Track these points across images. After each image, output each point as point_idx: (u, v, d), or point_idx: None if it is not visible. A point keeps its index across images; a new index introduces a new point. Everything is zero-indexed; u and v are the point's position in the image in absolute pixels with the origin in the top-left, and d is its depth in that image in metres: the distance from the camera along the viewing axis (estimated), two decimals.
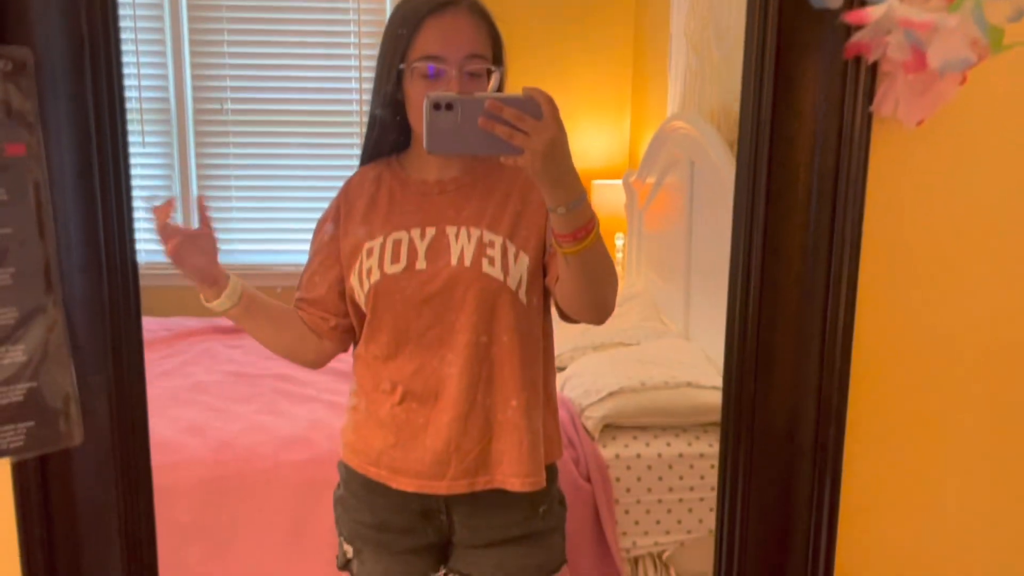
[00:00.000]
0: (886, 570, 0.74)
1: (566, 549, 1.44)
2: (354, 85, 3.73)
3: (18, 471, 0.58)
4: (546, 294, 1.33)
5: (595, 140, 3.81)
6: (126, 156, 0.61)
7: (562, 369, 2.45)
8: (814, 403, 0.67)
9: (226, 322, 3.27)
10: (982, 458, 0.80)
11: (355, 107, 3.79)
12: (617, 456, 2.09)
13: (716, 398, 2.15)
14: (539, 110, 1.00)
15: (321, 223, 1.39)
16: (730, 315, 0.74)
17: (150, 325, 3.05)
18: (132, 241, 0.62)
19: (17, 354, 0.52)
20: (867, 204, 0.71)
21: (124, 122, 0.60)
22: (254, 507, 2.02)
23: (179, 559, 2.00)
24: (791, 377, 0.66)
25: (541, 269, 1.31)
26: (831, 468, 0.67)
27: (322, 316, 1.37)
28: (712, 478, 2.10)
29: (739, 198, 0.72)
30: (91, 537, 0.56)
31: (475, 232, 1.28)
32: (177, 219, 3.88)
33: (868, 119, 0.68)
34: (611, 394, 2.16)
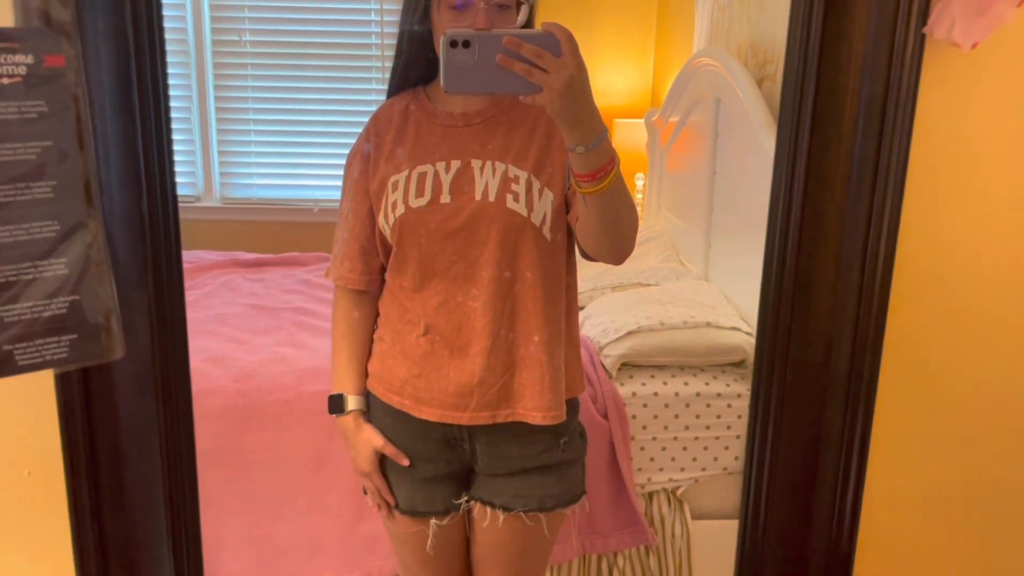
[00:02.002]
0: (914, 503, 0.75)
1: (585, 481, 1.47)
2: (374, 17, 3.67)
3: (61, 384, 0.59)
4: (570, 231, 1.33)
5: (617, 77, 3.74)
6: (164, 72, 0.60)
7: (581, 308, 2.45)
8: (851, 333, 0.66)
9: (245, 255, 3.29)
10: (1020, 391, 0.79)
11: (375, 40, 3.73)
12: (634, 394, 2.10)
13: (735, 339, 2.16)
14: (558, 46, 0.98)
15: (350, 160, 1.39)
16: (769, 243, 0.73)
17: None
18: (171, 157, 0.62)
19: (59, 267, 0.53)
20: (914, 132, 0.69)
21: (162, 38, 0.59)
22: (276, 436, 2.06)
23: (203, 485, 2.04)
24: (829, 306, 0.66)
25: (565, 205, 1.30)
26: (864, 399, 0.67)
27: (366, 269, 1.38)
28: (728, 417, 2.11)
29: (783, 124, 0.71)
30: (133, 451, 0.57)
31: (500, 166, 1.27)
32: (196, 155, 3.86)
33: (920, 42, 0.65)
34: (629, 333, 2.17)
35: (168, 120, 0.62)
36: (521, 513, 1.38)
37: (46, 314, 0.53)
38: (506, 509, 1.39)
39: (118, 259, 0.59)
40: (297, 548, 2.09)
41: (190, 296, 2.76)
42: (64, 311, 0.53)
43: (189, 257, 3.14)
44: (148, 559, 0.62)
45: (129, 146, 0.58)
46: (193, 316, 2.56)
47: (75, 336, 0.54)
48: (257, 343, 2.34)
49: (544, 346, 1.32)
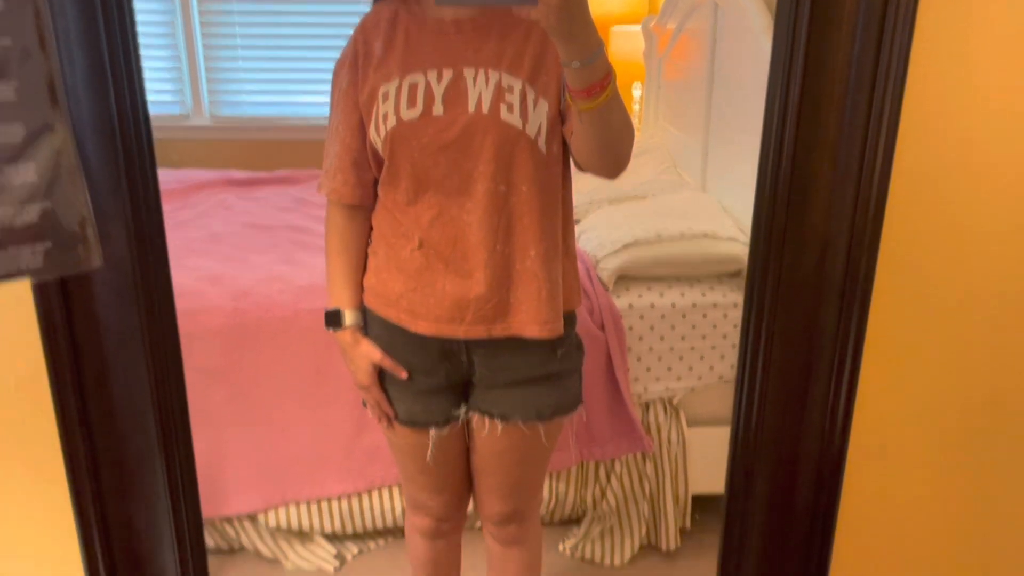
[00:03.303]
0: (907, 405, 0.75)
1: (582, 391, 1.48)
2: None
3: (40, 296, 0.58)
4: (566, 142, 1.30)
5: None
6: None
7: (576, 223, 2.43)
8: (847, 233, 0.65)
9: (239, 174, 3.25)
10: (1014, 292, 0.78)
11: None
12: (631, 306, 2.11)
13: (733, 249, 2.15)
14: None
15: (338, 70, 1.35)
16: (765, 141, 0.71)
17: (162, 176, 3.03)
18: (137, 57, 0.59)
19: (28, 173, 0.51)
20: (915, 33, 0.66)
21: None
22: (275, 353, 2.07)
23: (204, 403, 2.07)
24: (826, 205, 0.64)
25: (561, 116, 1.27)
26: (859, 300, 0.66)
27: (359, 182, 1.35)
28: (724, 327, 2.12)
29: (780, 22, 0.67)
30: (118, 361, 0.57)
31: (493, 75, 1.24)
32: (183, 72, 3.76)
33: None
34: (626, 246, 2.15)
35: (133, 19, 0.59)
36: (519, 422, 1.40)
37: (18, 222, 0.51)
38: (504, 419, 1.40)
39: (90, 166, 0.57)
40: (300, 462, 2.13)
41: (184, 216, 2.73)
42: (36, 219, 0.51)
43: (181, 176, 3.10)
44: (141, 470, 0.62)
45: (93, 46, 0.55)
46: (188, 236, 2.54)
47: (50, 245, 0.52)
48: (253, 262, 2.33)
49: (541, 260, 1.31)
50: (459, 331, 1.33)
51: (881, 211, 0.67)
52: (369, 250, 1.41)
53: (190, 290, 2.12)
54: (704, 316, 2.11)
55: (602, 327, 2.09)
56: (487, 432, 1.43)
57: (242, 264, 2.30)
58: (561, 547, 2.23)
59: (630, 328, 2.11)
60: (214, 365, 2.06)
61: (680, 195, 2.59)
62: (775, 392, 0.70)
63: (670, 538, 2.19)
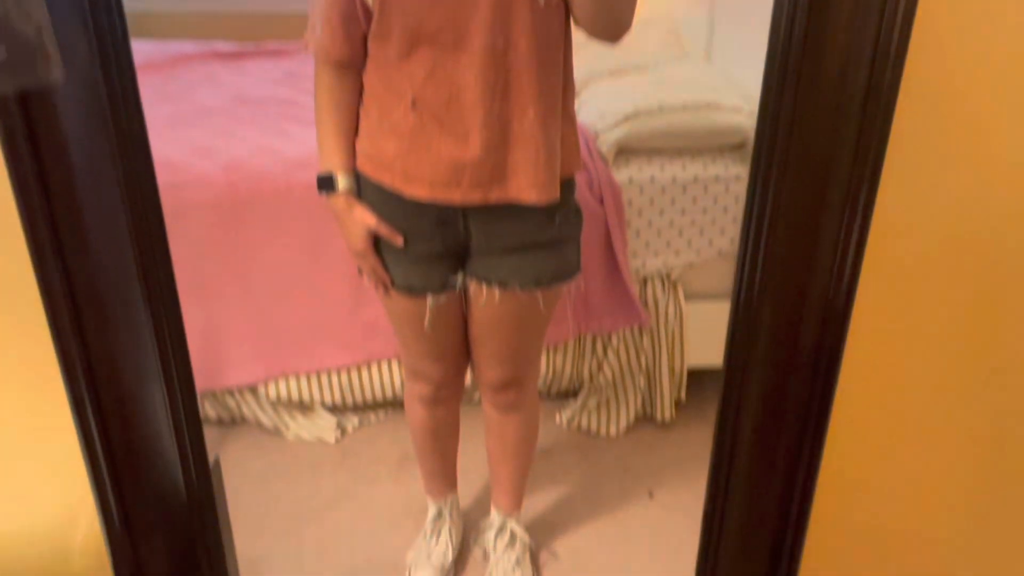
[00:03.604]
0: (918, 261, 0.72)
1: (580, 259, 1.46)
2: None
3: (1, 116, 0.55)
4: None
5: None
6: None
7: (577, 95, 2.35)
8: (871, 46, 0.60)
9: (226, 47, 3.13)
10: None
11: None
12: (630, 179, 2.06)
13: (737, 119, 2.08)
14: None
15: None
16: None
17: (148, 48, 2.92)
18: None
19: None
20: None
21: None
22: (269, 225, 2.04)
23: (200, 276, 2.06)
24: (849, 16, 0.58)
25: None
26: (880, 122, 0.62)
27: (348, 37, 1.27)
28: (726, 200, 2.09)
29: None
30: (88, 184, 0.54)
31: None
32: None
33: None
34: (627, 117, 2.09)
35: None
36: (517, 289, 1.39)
37: None
38: (502, 286, 1.39)
39: None
40: (298, 335, 2.14)
41: (171, 89, 2.64)
42: None
43: (166, 49, 2.98)
44: (120, 303, 0.60)
45: None
46: (176, 109, 2.47)
47: (4, 55, 0.48)
48: (244, 135, 2.26)
49: (539, 121, 1.26)
50: (455, 196, 1.30)
51: (909, 22, 0.61)
52: (361, 111, 1.35)
53: (179, 162, 2.08)
54: (705, 190, 2.07)
55: (601, 201, 2.05)
56: (484, 299, 1.42)
57: (232, 137, 2.24)
58: (558, 419, 2.27)
59: (629, 202, 2.08)
60: (208, 238, 2.03)
61: (684, 66, 2.51)
62: (784, 228, 0.67)
63: (665, 410, 2.23)
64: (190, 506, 0.73)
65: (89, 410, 0.65)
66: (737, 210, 2.11)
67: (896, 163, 0.68)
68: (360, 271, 1.46)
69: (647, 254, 2.13)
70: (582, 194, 2.02)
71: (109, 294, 0.59)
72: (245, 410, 2.21)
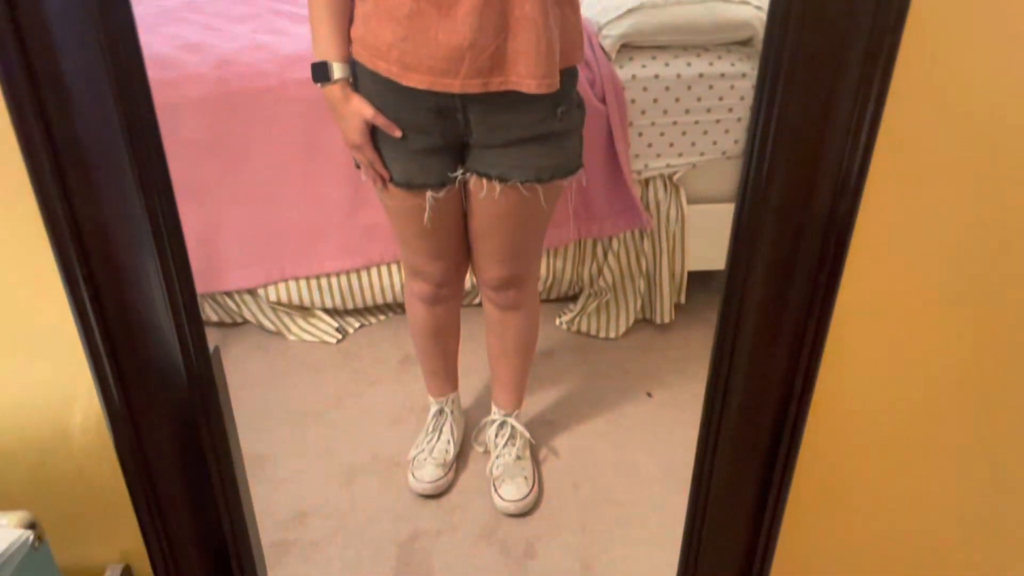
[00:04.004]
0: (925, 169, 0.69)
1: (583, 154, 1.43)
2: None
3: None
4: None
5: None
6: None
7: None
8: None
9: None
10: None
11: None
12: (634, 77, 2.00)
13: (744, 13, 2.01)
14: None
15: None
16: None
17: None
18: None
19: None
20: None
21: None
22: (264, 124, 2.00)
23: (195, 178, 2.02)
24: None
25: None
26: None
27: None
28: (731, 99, 2.03)
29: None
30: (67, 39, 0.51)
31: None
32: None
33: None
34: (630, 11, 2.01)
35: None
36: (518, 184, 1.36)
37: None
38: (502, 180, 1.36)
39: None
40: (297, 238, 2.12)
41: None
42: None
43: None
44: (107, 167, 0.58)
45: None
46: (162, 4, 2.38)
47: None
48: (234, 31, 2.19)
49: (540, 7, 1.21)
50: (454, 85, 1.25)
51: None
52: None
53: (170, 58, 2.01)
54: (710, 87, 2.02)
55: (603, 100, 2.00)
56: (485, 194, 1.39)
57: (223, 33, 2.17)
58: (558, 322, 2.27)
59: (632, 101, 2.02)
60: (201, 138, 1.99)
61: None
62: (799, 90, 0.64)
63: (664, 312, 2.23)
64: (190, 385, 0.73)
65: (81, 281, 0.64)
66: (742, 109, 2.06)
67: (915, 31, 0.65)
68: (357, 165, 1.43)
69: (649, 155, 2.09)
70: (584, 93, 1.97)
71: (95, 157, 0.56)
72: (246, 312, 2.21)
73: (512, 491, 1.70)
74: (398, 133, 1.33)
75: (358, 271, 2.17)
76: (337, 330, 2.22)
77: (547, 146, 1.36)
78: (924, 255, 0.73)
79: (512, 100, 1.28)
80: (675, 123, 2.06)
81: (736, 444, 0.83)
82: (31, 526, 0.71)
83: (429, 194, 1.40)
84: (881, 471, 0.87)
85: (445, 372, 1.78)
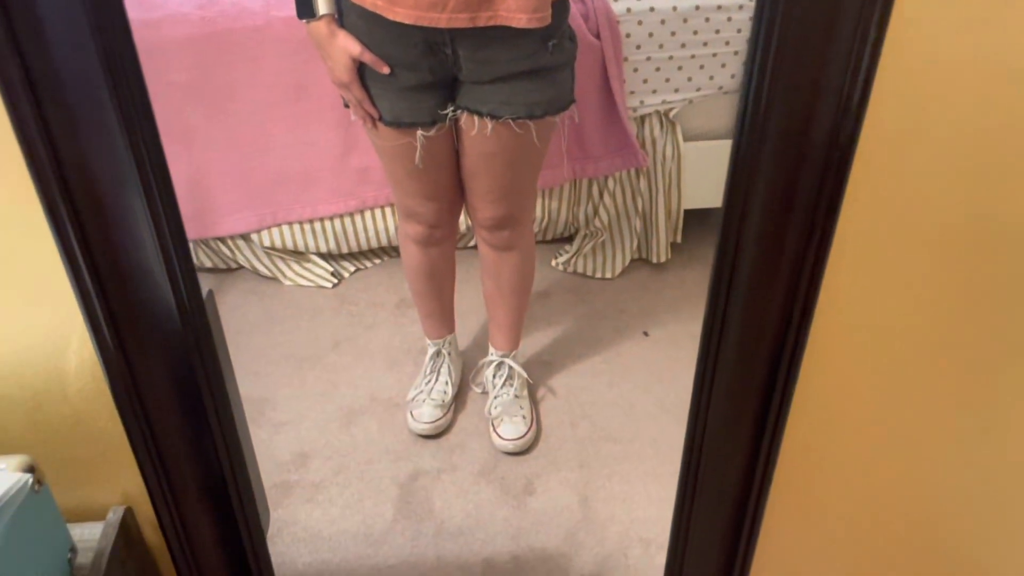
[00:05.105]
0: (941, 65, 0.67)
1: (575, 88, 1.41)
2: None
3: None
4: None
5: None
6: None
7: None
8: None
9: None
10: None
11: None
12: (628, 10, 1.96)
13: None
14: None
15: None
16: None
17: None
18: None
19: None
20: None
21: None
22: (250, 66, 1.95)
23: (181, 120, 1.99)
24: None
25: None
26: None
27: None
28: (728, 32, 1.99)
29: None
30: None
31: None
32: None
33: None
34: None
35: None
36: (510, 120, 1.34)
37: None
38: (494, 117, 1.34)
39: None
40: (289, 182, 2.09)
41: None
42: None
43: None
44: (87, 104, 0.56)
45: None
46: None
47: None
48: None
49: None
50: (440, 19, 1.22)
51: None
52: None
53: None
54: (707, 20, 1.97)
55: (597, 34, 1.96)
56: (476, 132, 1.37)
57: None
58: (554, 263, 2.27)
59: (627, 36, 1.98)
60: (188, 80, 1.95)
61: None
62: (791, 50, 0.62)
63: (660, 251, 2.22)
64: (184, 326, 0.72)
65: (68, 223, 0.63)
66: (739, 42, 2.02)
67: None
68: (346, 105, 1.40)
69: (645, 92, 2.05)
70: (577, 28, 1.92)
71: (74, 94, 0.55)
72: (240, 258, 2.20)
73: (510, 430, 1.72)
74: (386, 70, 1.30)
75: (352, 214, 2.15)
76: (332, 274, 2.21)
77: (538, 81, 1.33)
78: (926, 183, 0.72)
79: (502, 34, 1.25)
80: (671, 57, 2.02)
81: (733, 377, 0.83)
82: (30, 469, 0.72)
83: (420, 133, 1.38)
84: (878, 404, 0.88)
85: (441, 314, 1.78)
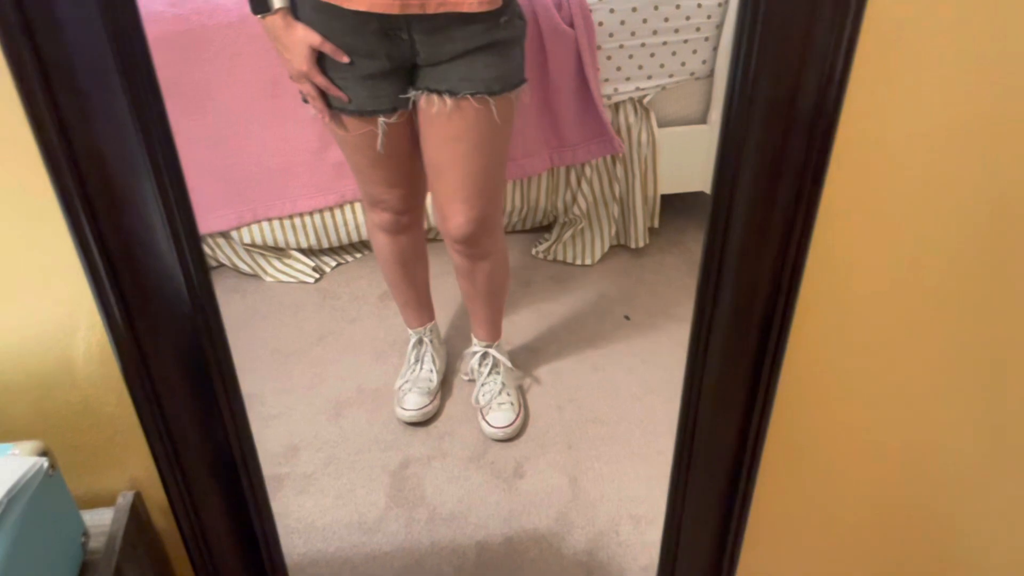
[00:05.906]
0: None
1: (525, 68, 1.42)
2: None
3: None
4: None
5: None
6: None
7: None
8: None
9: None
10: None
11: None
12: None
13: None
14: None
15: None
16: None
17: None
18: None
19: None
20: None
21: None
22: (225, 64, 1.95)
23: None
24: None
25: None
26: None
27: None
28: (698, 18, 2.03)
29: None
30: None
31: None
32: None
33: None
34: None
35: None
36: (469, 96, 1.35)
37: None
38: (452, 94, 1.35)
39: None
40: (266, 178, 2.09)
41: None
42: None
43: None
44: (98, 89, 0.58)
45: None
46: None
47: None
48: None
49: None
50: (394, 6, 1.24)
51: None
52: None
53: None
54: (677, 7, 2.01)
55: (571, 23, 1.98)
56: (436, 110, 1.37)
57: None
58: (534, 251, 2.29)
59: (600, 24, 2.01)
60: (160, 78, 1.93)
61: None
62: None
63: (639, 237, 2.26)
64: (194, 308, 0.73)
65: (79, 208, 0.64)
66: (710, 29, 2.05)
67: None
68: (305, 100, 1.41)
69: (619, 79, 2.08)
70: (551, 17, 1.95)
71: (86, 81, 0.56)
72: (221, 255, 2.20)
73: (500, 418, 1.74)
74: (346, 58, 1.31)
75: (331, 209, 2.16)
76: (314, 269, 2.22)
77: (493, 56, 1.34)
78: (907, 148, 0.75)
79: (455, 18, 1.28)
80: (643, 45, 2.05)
81: (727, 340, 0.86)
82: (43, 454, 0.72)
83: (381, 120, 1.39)
84: (866, 364, 0.91)
85: (418, 302, 1.79)
